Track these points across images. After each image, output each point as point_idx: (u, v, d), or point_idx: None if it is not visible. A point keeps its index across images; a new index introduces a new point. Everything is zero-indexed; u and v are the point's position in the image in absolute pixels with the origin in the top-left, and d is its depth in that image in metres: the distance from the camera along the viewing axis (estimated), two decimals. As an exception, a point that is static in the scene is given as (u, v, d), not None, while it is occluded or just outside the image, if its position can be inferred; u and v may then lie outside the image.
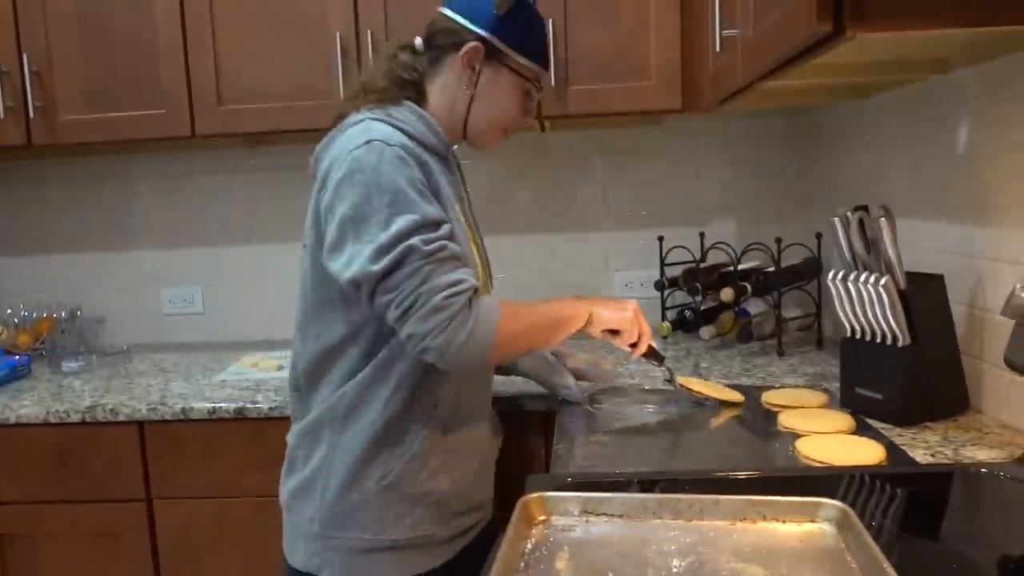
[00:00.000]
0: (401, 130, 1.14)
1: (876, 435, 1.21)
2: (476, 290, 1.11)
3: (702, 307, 2.02)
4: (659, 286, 2.11)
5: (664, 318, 2.13)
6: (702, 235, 2.19)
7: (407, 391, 1.17)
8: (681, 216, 2.25)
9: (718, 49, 1.42)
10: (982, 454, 1.13)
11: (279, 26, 1.88)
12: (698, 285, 1.97)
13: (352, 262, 1.07)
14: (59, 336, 2.21)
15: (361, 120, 1.15)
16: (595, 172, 2.26)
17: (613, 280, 2.28)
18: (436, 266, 1.07)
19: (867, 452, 1.12)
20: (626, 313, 1.26)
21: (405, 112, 1.18)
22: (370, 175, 1.06)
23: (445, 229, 1.10)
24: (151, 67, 1.90)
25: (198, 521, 1.69)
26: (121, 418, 1.65)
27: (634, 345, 1.32)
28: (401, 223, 1.05)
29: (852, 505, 0.87)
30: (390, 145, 1.09)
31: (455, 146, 1.28)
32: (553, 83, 1.82)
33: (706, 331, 2.00)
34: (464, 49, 1.18)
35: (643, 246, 2.25)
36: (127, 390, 1.79)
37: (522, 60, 1.21)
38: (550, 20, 1.80)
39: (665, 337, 2.07)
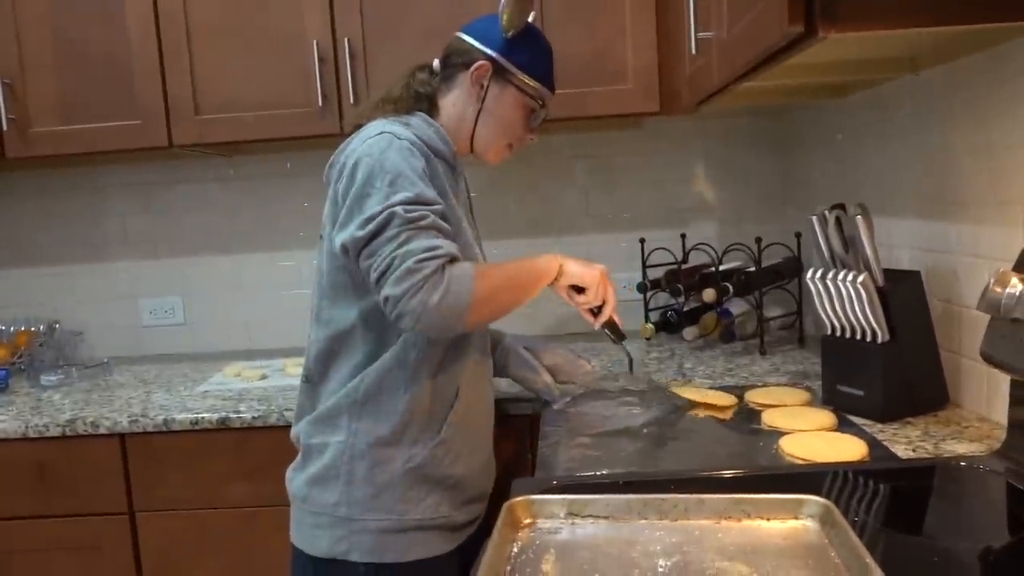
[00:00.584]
0: (413, 134, 1.22)
1: (858, 431, 1.22)
2: (453, 258, 1.14)
3: (685, 308, 2.03)
4: (641, 288, 2.12)
5: (647, 319, 2.14)
6: (683, 236, 2.20)
7: (427, 379, 1.22)
8: (662, 218, 2.26)
9: (694, 52, 1.43)
10: (962, 448, 1.14)
11: (256, 35, 1.87)
12: (680, 286, 1.98)
13: (344, 230, 1.15)
14: (37, 350, 2.19)
15: (376, 125, 1.23)
16: (576, 175, 2.27)
17: (596, 283, 2.28)
18: (415, 232, 1.11)
19: (849, 448, 1.13)
20: (593, 271, 1.31)
21: (417, 121, 1.26)
22: (377, 158, 1.15)
23: (437, 208, 1.15)
24: (126, 78, 1.88)
25: (181, 533, 1.67)
26: (102, 431, 1.63)
27: (598, 314, 1.37)
28: (395, 198, 1.12)
29: (835, 501, 0.87)
30: (399, 139, 1.17)
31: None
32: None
33: (689, 332, 2.01)
34: (474, 67, 1.28)
35: (625, 248, 2.26)
36: (108, 403, 1.77)
37: (527, 79, 1.29)
38: (527, 25, 1.81)
39: (649, 339, 2.08)
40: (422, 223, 1.12)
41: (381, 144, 1.16)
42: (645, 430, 1.32)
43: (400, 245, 1.10)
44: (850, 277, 1.26)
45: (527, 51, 1.30)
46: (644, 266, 2.16)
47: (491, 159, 1.36)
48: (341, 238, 1.16)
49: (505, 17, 1.25)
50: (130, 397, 1.81)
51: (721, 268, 1.98)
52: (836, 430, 1.24)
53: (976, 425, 1.24)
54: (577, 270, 1.31)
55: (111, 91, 1.90)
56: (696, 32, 1.41)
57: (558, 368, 1.52)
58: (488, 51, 1.28)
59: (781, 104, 2.04)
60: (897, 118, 1.50)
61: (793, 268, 1.93)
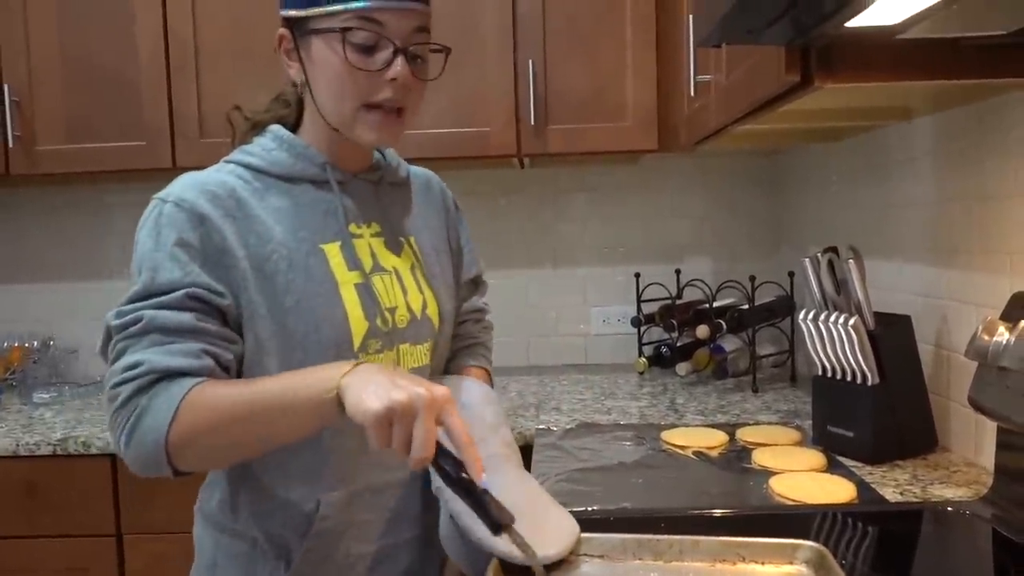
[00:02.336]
0: (242, 165, 0.98)
1: (847, 473, 1.23)
2: (163, 376, 0.85)
3: (678, 343, 2.04)
4: (636, 322, 2.13)
5: (640, 354, 2.15)
6: (678, 272, 2.22)
7: (268, 495, 0.98)
8: (657, 253, 2.29)
9: (692, 94, 1.46)
10: (950, 492, 1.15)
11: (263, 58, 1.88)
12: (674, 322, 2.00)
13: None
14: (31, 366, 2.18)
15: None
16: (573, 208, 2.30)
17: (591, 315, 2.30)
18: (126, 344, 0.87)
19: (838, 490, 1.14)
20: (395, 394, 0.75)
21: (263, 141, 1.01)
22: (137, 238, 0.94)
23: (170, 298, 0.87)
24: (133, 100, 1.91)
25: (168, 557, 1.66)
26: (93, 451, 1.63)
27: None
28: (128, 293, 0.90)
29: (824, 543, 0.88)
30: (164, 201, 0.93)
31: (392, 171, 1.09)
32: (532, 122, 1.86)
33: (682, 367, 2.02)
34: (277, 45, 0.99)
35: (621, 282, 2.28)
36: (100, 422, 1.76)
37: (315, 12, 0.93)
38: (530, 61, 1.85)
39: (642, 373, 2.09)
40: (132, 330, 0.87)
41: (143, 220, 0.94)
42: (637, 466, 1.33)
43: (111, 363, 0.88)
44: (841, 320, 1.28)
45: None
46: (639, 300, 2.18)
47: (364, 136, 0.96)
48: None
49: None
50: (122, 417, 1.81)
51: (715, 304, 2.00)
52: (826, 471, 1.25)
53: (964, 469, 1.25)
54: (361, 396, 0.76)
55: (118, 111, 1.92)
56: (695, 75, 1.45)
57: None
58: (280, 15, 0.98)
59: (777, 145, 2.08)
60: (890, 163, 1.53)
61: (786, 307, 1.95)
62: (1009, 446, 1.05)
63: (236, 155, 1.00)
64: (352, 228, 1.00)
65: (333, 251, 0.97)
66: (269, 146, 0.99)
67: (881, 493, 1.15)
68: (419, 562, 1.06)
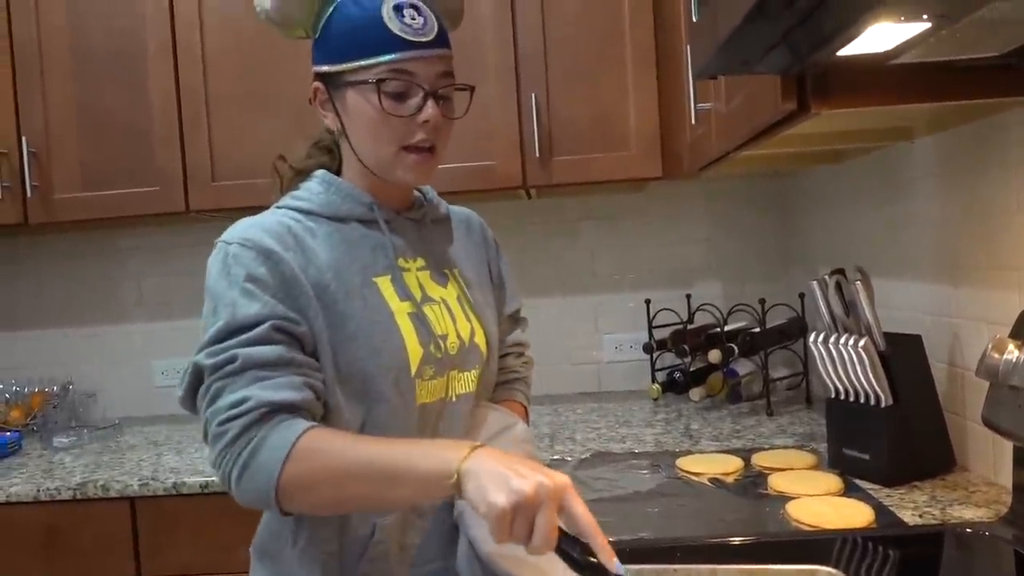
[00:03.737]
0: (293, 209, 1.03)
1: (865, 496, 1.22)
2: (272, 410, 0.87)
3: (691, 368, 2.04)
4: (648, 349, 2.13)
5: (654, 380, 2.15)
6: (688, 297, 2.22)
7: (329, 521, 1.00)
8: (667, 278, 2.29)
9: (693, 122, 1.48)
10: (969, 513, 1.14)
11: (271, 105, 1.94)
12: (686, 347, 2.00)
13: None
14: (51, 411, 2.21)
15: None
16: (581, 236, 2.31)
17: (603, 342, 2.30)
18: (225, 383, 0.89)
19: (856, 514, 1.13)
20: (519, 485, 0.74)
21: (311, 185, 1.05)
22: (207, 283, 0.98)
23: (253, 334, 0.90)
24: (146, 147, 1.96)
25: (188, 599, 1.66)
26: (112, 494, 1.64)
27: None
28: (202, 341, 0.93)
29: (844, 569, 0.88)
30: (228, 244, 0.97)
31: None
32: (537, 154, 1.88)
33: (695, 392, 2.02)
34: (312, 98, 1.05)
35: (632, 308, 2.28)
36: (118, 465, 1.78)
37: (348, 67, 0.99)
38: (532, 95, 1.88)
39: (655, 399, 2.09)
40: (228, 368, 0.89)
41: (210, 263, 0.98)
42: (653, 494, 1.32)
43: (208, 403, 0.90)
44: (851, 341, 1.28)
45: (333, 36, 1.00)
46: (650, 327, 2.18)
47: (404, 177, 1.02)
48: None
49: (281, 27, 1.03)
50: (140, 459, 1.83)
51: (726, 328, 1.99)
52: (843, 495, 1.24)
53: (983, 489, 1.23)
54: (484, 486, 0.76)
55: (132, 159, 1.97)
56: (695, 104, 1.47)
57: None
58: (313, 71, 1.03)
59: (781, 168, 2.09)
60: (895, 183, 1.54)
61: (798, 328, 1.95)
62: (1027, 464, 1.04)
63: (286, 200, 1.04)
64: (400, 262, 1.04)
65: (385, 283, 1.01)
66: (316, 189, 1.04)
67: (900, 516, 1.14)
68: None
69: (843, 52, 0.84)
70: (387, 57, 0.97)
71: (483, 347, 1.09)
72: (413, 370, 0.99)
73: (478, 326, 1.09)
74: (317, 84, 1.03)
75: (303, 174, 1.08)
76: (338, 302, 0.97)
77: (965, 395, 1.33)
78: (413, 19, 0.98)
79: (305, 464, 0.85)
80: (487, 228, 1.25)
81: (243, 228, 0.98)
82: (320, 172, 1.06)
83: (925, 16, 0.73)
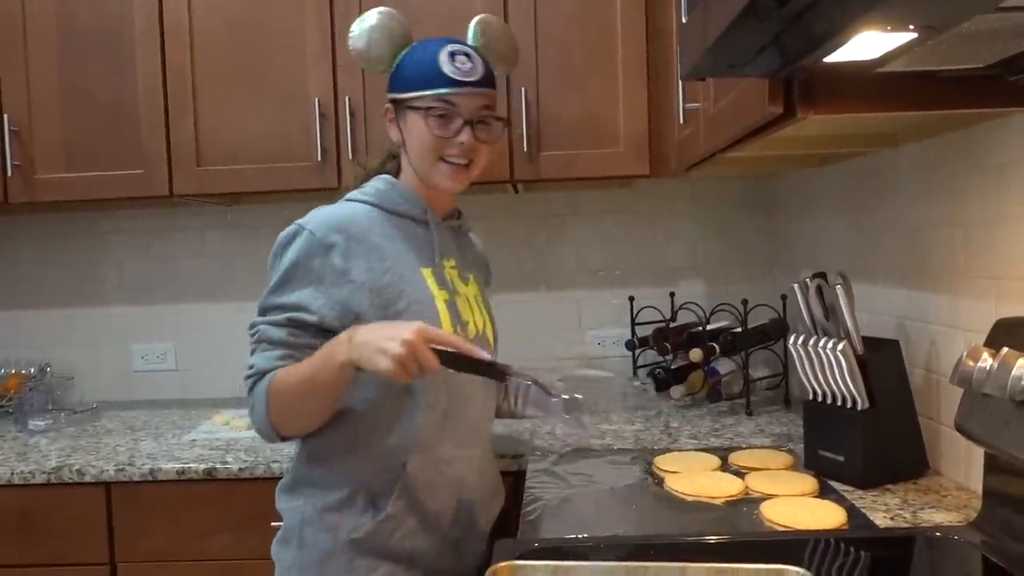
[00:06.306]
0: (362, 202, 1.29)
1: (838, 498, 1.24)
2: (261, 373, 1.18)
3: (672, 366, 2.05)
4: (630, 346, 2.14)
5: (636, 377, 2.16)
6: (672, 295, 2.23)
7: (366, 450, 1.23)
8: (651, 276, 2.30)
9: (681, 121, 1.48)
10: (940, 516, 1.16)
11: (259, 90, 1.93)
12: (668, 345, 2.01)
13: None
14: (27, 393, 2.18)
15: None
16: (567, 232, 2.32)
17: (586, 338, 2.31)
18: (254, 347, 1.21)
19: (828, 516, 1.15)
20: (391, 342, 1.07)
21: (376, 184, 1.32)
22: (271, 258, 1.26)
23: (275, 318, 1.20)
24: (131, 129, 1.93)
25: (162, 585, 1.66)
26: (88, 479, 1.63)
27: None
28: (260, 301, 1.24)
29: (815, 570, 0.89)
30: (303, 228, 1.22)
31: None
32: (525, 148, 1.88)
33: (676, 390, 2.03)
34: (384, 114, 1.34)
35: (616, 305, 2.29)
36: (95, 450, 1.77)
37: (409, 95, 1.27)
38: (522, 89, 1.87)
39: (636, 396, 2.10)
40: (256, 337, 1.21)
41: (279, 238, 1.24)
42: (629, 492, 1.33)
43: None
44: (830, 345, 1.29)
45: (403, 72, 1.28)
46: (633, 324, 2.19)
47: (440, 182, 1.29)
48: None
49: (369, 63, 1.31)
50: (117, 445, 1.81)
51: (708, 328, 2.01)
52: (817, 495, 1.25)
53: (955, 494, 1.25)
54: (369, 345, 1.09)
55: (116, 140, 1.94)
56: (684, 103, 1.47)
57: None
58: (388, 96, 1.32)
59: (767, 170, 2.10)
60: (878, 188, 1.55)
61: (779, 330, 1.96)
62: (997, 470, 1.06)
63: (355, 194, 1.31)
64: (440, 260, 1.31)
65: (428, 273, 1.28)
66: (381, 188, 1.31)
67: (871, 518, 1.15)
68: (472, 523, 1.33)
69: (830, 59, 0.85)
70: (437, 92, 1.24)
71: (491, 338, 1.38)
72: None
73: (488, 321, 1.38)
74: (388, 106, 1.31)
75: (371, 175, 1.34)
76: (392, 284, 1.22)
77: (940, 401, 1.34)
78: (463, 64, 1.25)
79: (275, 402, 1.17)
80: (484, 256, 1.54)
81: (320, 217, 1.23)
82: (385, 175, 1.33)
83: (911, 27, 0.73)
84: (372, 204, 1.28)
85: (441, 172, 1.28)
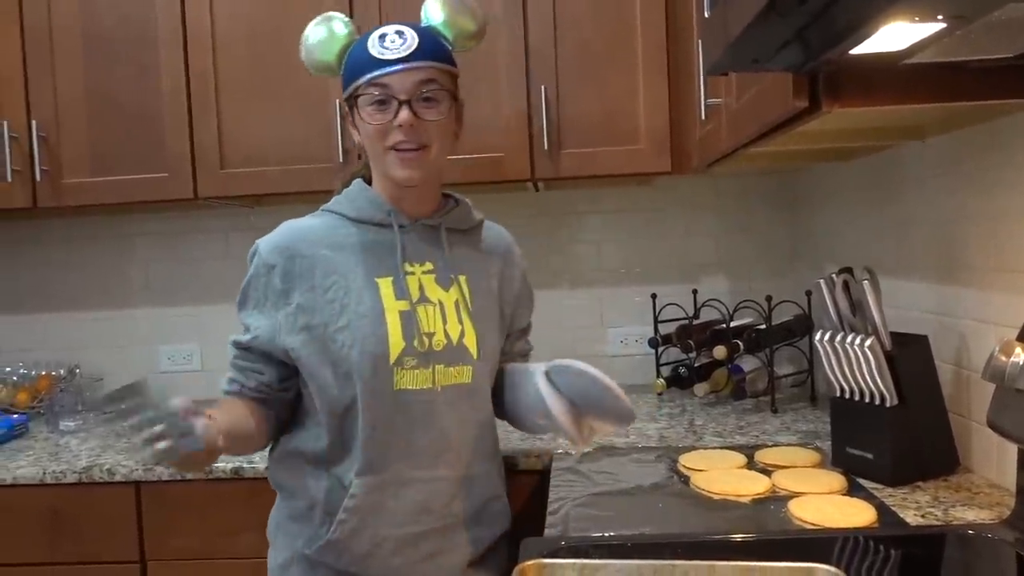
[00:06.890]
0: (330, 212, 1.26)
1: (867, 496, 1.22)
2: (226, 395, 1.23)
3: (696, 364, 2.04)
4: (653, 343, 2.13)
5: (659, 375, 2.15)
6: (695, 292, 2.22)
7: (309, 466, 1.25)
8: (674, 273, 2.29)
9: (703, 117, 1.47)
10: (972, 514, 1.14)
11: (281, 94, 1.94)
12: (691, 342, 2.00)
13: None
14: (58, 395, 2.22)
15: None
16: (589, 229, 2.31)
17: (607, 336, 2.30)
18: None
19: (858, 514, 1.13)
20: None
21: (349, 191, 1.27)
22: None
23: (246, 336, 1.23)
24: (155, 133, 1.96)
25: (191, 584, 1.68)
26: (117, 478, 1.65)
27: None
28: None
29: (845, 569, 0.88)
30: (255, 253, 1.24)
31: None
32: (546, 146, 1.88)
33: (700, 388, 2.01)
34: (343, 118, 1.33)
35: (638, 303, 2.28)
36: (124, 449, 1.79)
37: (349, 90, 1.21)
38: (542, 87, 1.87)
39: (660, 394, 2.09)
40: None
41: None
42: (655, 490, 1.32)
43: None
44: (858, 341, 1.27)
45: (344, 69, 1.23)
46: (656, 321, 2.17)
47: (395, 174, 1.20)
48: None
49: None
50: (146, 444, 1.83)
51: (732, 325, 1.99)
52: (846, 493, 1.24)
53: (987, 491, 1.23)
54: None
55: (141, 144, 1.97)
56: (705, 99, 1.46)
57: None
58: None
59: (790, 165, 2.08)
60: (905, 182, 1.53)
61: (804, 326, 1.94)
62: (1031, 468, 1.04)
63: (330, 204, 1.28)
64: (406, 266, 1.22)
65: (386, 284, 1.21)
66: (351, 195, 1.26)
67: (902, 516, 1.14)
68: (440, 551, 1.24)
69: (856, 51, 0.84)
70: (366, 76, 1.17)
71: (472, 348, 1.24)
72: (392, 359, 1.18)
73: (470, 330, 1.24)
74: (344, 107, 1.25)
75: (350, 180, 1.29)
76: (336, 300, 1.18)
77: (971, 397, 1.32)
78: (392, 42, 1.17)
79: None
80: (515, 248, 1.40)
81: (270, 236, 1.23)
82: (357, 180, 1.27)
83: (940, 16, 0.72)
84: (336, 213, 1.25)
85: (392, 163, 1.19)
